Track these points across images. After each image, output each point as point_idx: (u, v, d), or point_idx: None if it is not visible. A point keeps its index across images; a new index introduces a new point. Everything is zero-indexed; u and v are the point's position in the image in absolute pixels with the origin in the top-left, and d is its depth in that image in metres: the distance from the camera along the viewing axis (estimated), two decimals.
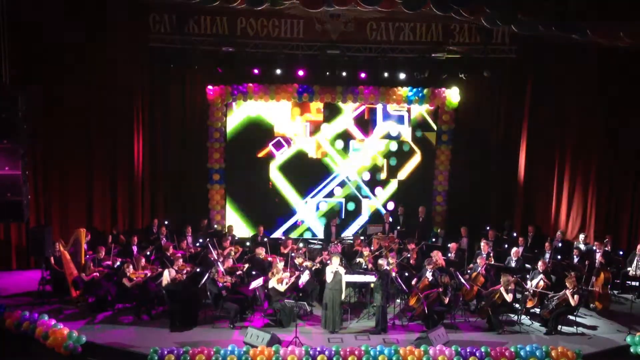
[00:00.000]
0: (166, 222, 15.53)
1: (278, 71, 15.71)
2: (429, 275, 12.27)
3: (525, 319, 12.39)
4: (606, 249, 14.10)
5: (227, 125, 16.83)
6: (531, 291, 12.25)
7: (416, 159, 17.48)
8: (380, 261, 11.93)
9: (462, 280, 12.45)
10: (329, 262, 12.18)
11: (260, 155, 17.10)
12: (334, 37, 15.76)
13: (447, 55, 15.83)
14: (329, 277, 11.59)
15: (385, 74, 15.87)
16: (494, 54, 15.84)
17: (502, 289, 11.76)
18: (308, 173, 17.30)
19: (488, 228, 15.48)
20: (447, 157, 17.17)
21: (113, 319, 12.04)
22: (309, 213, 17.35)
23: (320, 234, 16.91)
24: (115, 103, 15.42)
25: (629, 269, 13.91)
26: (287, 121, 17.04)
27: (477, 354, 10.34)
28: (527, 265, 13.62)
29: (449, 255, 13.91)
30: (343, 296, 11.64)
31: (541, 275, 12.43)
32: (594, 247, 14.17)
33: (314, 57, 15.76)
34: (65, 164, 15.06)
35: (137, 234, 14.59)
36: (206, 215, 16.58)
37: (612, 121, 15.44)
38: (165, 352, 10.08)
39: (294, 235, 16.91)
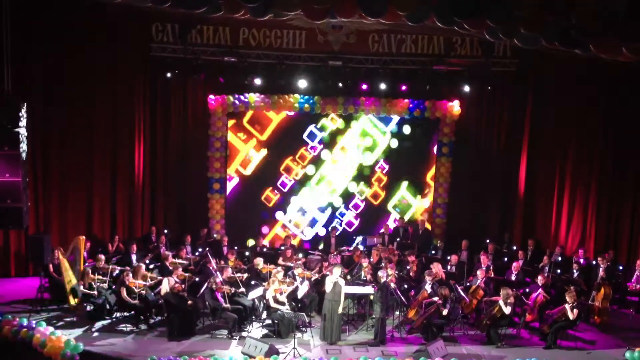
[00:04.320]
0: (166, 231, 15.54)
1: (280, 82, 15.74)
2: (428, 287, 12.24)
3: None
4: (608, 264, 14.10)
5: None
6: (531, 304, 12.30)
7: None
8: (379, 273, 11.91)
9: (462, 293, 12.43)
10: (328, 272, 12.15)
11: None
12: (335, 48, 15.81)
13: (449, 67, 15.88)
14: (328, 288, 11.54)
15: (386, 86, 15.89)
16: (496, 67, 15.87)
17: (501, 302, 11.73)
18: None
19: (488, 241, 15.49)
20: (447, 169, 17.17)
21: (111, 328, 12.00)
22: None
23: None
24: (117, 111, 15.47)
25: (628, 283, 13.90)
26: None
27: None
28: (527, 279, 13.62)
29: (449, 267, 13.91)
30: (340, 309, 11.57)
31: (540, 290, 12.44)
32: (598, 262, 14.12)
33: (316, 68, 15.80)
34: (66, 171, 15.08)
35: (136, 243, 14.55)
36: (206, 224, 16.56)
37: (612, 135, 15.48)
38: None
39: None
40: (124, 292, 12.00)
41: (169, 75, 15.51)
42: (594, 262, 14.32)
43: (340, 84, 15.86)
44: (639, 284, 13.76)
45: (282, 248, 15.24)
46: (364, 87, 16.06)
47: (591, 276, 13.72)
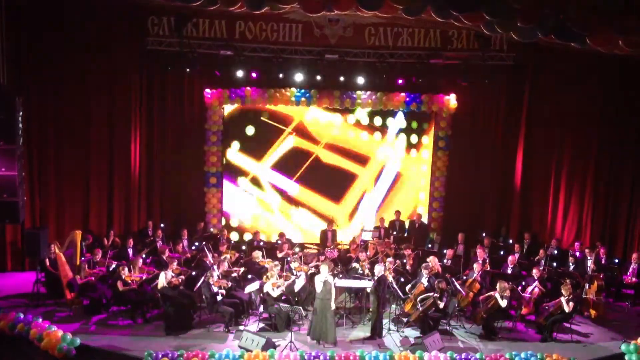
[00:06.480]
0: (162, 225, 15.53)
1: (276, 75, 15.71)
2: (424, 281, 12.25)
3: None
4: (599, 257, 14.14)
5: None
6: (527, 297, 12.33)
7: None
8: (377, 266, 11.91)
9: (458, 286, 12.45)
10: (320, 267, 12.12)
11: None
12: (332, 41, 15.76)
13: (445, 61, 15.85)
14: (318, 287, 11.36)
15: (382, 79, 15.87)
16: (492, 61, 15.84)
17: (497, 295, 11.75)
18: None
19: (484, 234, 15.51)
20: (444, 163, 17.15)
21: (107, 322, 12.00)
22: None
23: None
24: (113, 105, 15.41)
25: (624, 276, 13.94)
26: None
27: None
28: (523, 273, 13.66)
29: (445, 261, 13.93)
30: (333, 305, 11.47)
31: (536, 283, 12.48)
32: (586, 254, 14.18)
33: (313, 62, 15.76)
34: (62, 165, 15.04)
35: (132, 237, 14.54)
36: (202, 218, 16.55)
37: (609, 130, 15.49)
38: (160, 356, 10.05)
39: None
40: (120, 286, 12.00)
41: (165, 69, 15.46)
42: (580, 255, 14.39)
43: (342, 78, 15.83)
44: (634, 277, 13.81)
45: (279, 242, 15.23)
46: (361, 80, 16.02)
47: (583, 270, 13.77)
